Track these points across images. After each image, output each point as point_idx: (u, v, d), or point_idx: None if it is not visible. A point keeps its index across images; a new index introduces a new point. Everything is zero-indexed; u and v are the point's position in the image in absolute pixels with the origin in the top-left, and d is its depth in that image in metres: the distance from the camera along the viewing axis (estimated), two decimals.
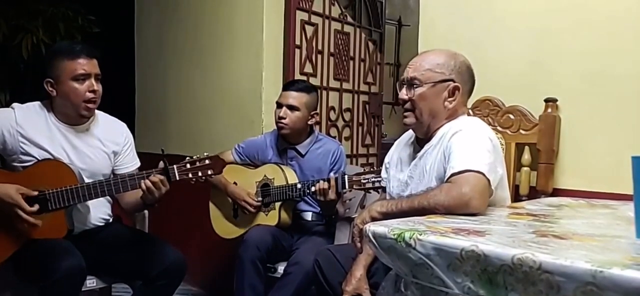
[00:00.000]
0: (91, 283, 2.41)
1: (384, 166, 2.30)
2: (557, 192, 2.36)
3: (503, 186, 1.97)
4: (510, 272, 1.19)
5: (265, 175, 2.87)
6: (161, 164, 2.26)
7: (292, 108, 2.85)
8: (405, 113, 2.02)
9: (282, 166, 2.86)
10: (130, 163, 2.59)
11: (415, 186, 1.99)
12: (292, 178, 2.80)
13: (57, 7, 4.24)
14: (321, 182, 2.63)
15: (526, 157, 2.41)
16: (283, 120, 2.85)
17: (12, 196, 2.17)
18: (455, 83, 1.96)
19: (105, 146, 2.50)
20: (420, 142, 2.07)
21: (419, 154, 2.03)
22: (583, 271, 1.08)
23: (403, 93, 2.00)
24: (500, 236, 1.37)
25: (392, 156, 2.25)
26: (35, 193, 2.22)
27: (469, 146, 1.81)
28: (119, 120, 2.62)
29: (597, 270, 1.06)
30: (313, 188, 2.66)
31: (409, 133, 2.19)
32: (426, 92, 1.95)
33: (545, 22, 2.43)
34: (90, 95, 2.34)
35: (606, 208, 1.95)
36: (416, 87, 1.96)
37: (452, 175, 1.75)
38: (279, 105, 2.88)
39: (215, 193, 3.01)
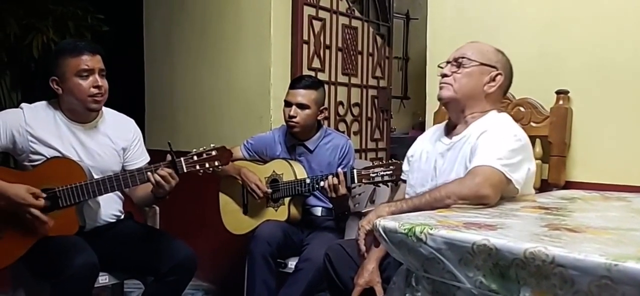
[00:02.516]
0: (103, 279, 2.42)
1: (406, 158, 2.31)
2: (569, 185, 2.35)
3: (529, 183, 1.97)
4: (523, 266, 1.18)
5: (274, 171, 2.86)
6: (168, 157, 2.27)
7: (301, 106, 2.83)
8: (443, 84, 2.04)
9: (290, 161, 2.86)
10: (139, 158, 2.59)
11: (439, 178, 2.00)
12: (301, 173, 2.80)
13: (67, 6, 4.24)
14: (330, 177, 2.62)
15: (537, 149, 2.39)
16: (294, 119, 2.83)
17: (23, 196, 2.18)
18: (499, 71, 2.01)
19: (114, 143, 2.50)
20: (448, 134, 2.09)
21: (447, 146, 2.05)
22: (597, 265, 1.07)
23: (446, 69, 2.04)
24: (512, 230, 1.36)
25: (415, 149, 2.25)
26: (44, 195, 2.23)
27: (492, 144, 1.84)
28: (127, 116, 2.63)
29: (611, 263, 1.05)
30: (322, 184, 2.65)
31: (435, 128, 2.21)
32: (471, 70, 2.00)
33: (555, 12, 2.41)
34: (94, 90, 2.34)
35: (620, 200, 1.93)
36: (463, 65, 2.00)
37: (471, 169, 1.78)
38: (288, 104, 2.86)
39: (225, 184, 3.01)
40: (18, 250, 2.27)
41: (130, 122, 2.63)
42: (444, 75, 2.04)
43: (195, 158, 2.28)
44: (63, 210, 2.26)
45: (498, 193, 1.74)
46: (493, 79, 2.01)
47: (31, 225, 2.22)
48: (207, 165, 2.28)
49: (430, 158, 2.12)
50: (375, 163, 2.56)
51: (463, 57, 2.00)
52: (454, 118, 2.08)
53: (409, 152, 2.29)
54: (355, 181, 2.60)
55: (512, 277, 1.21)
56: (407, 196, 2.17)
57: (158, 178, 2.24)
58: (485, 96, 2.01)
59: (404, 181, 2.30)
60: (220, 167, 2.32)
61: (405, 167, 2.31)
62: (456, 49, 2.07)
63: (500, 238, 1.25)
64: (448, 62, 2.05)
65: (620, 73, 2.24)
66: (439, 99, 2.09)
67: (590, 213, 1.67)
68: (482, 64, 1.99)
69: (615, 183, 2.22)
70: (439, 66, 2.09)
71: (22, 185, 2.20)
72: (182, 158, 2.27)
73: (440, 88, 2.05)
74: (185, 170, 2.27)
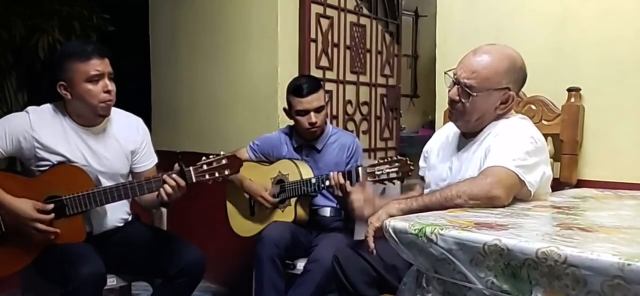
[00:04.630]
0: (111, 281, 2.42)
1: (422, 155, 2.29)
2: (581, 183, 2.33)
3: (545, 186, 1.95)
4: (535, 266, 1.17)
5: (279, 171, 2.85)
6: (177, 167, 2.24)
7: (319, 109, 2.82)
8: (454, 114, 2.00)
9: (296, 161, 2.84)
10: (147, 160, 2.58)
11: (453, 179, 1.98)
12: (307, 173, 2.78)
13: (72, 7, 4.25)
14: (334, 174, 2.60)
15: (549, 148, 2.36)
16: (316, 125, 2.82)
17: (30, 213, 2.19)
18: (511, 92, 1.95)
19: (122, 145, 2.48)
20: (464, 135, 2.07)
21: (463, 148, 2.03)
22: (610, 265, 1.06)
23: (454, 94, 1.96)
24: (524, 230, 1.36)
25: (432, 146, 2.24)
26: (51, 206, 2.23)
27: (506, 146, 1.82)
28: (134, 116, 2.60)
29: (624, 263, 1.04)
30: (327, 183, 2.63)
31: (452, 125, 2.17)
32: (479, 100, 1.92)
33: (567, 8, 2.40)
34: (105, 95, 2.32)
35: (633, 199, 1.93)
36: (470, 95, 1.91)
37: (484, 169, 1.77)
38: (304, 113, 2.82)
39: (231, 190, 3.00)
40: (26, 257, 2.27)
41: (138, 122, 2.61)
42: (452, 101, 1.97)
43: (204, 167, 2.24)
44: (70, 218, 2.26)
45: (510, 195, 1.72)
46: (505, 101, 1.95)
47: (39, 237, 2.22)
48: (216, 175, 2.25)
49: (446, 156, 2.11)
50: (380, 161, 2.53)
51: (471, 87, 1.91)
52: (466, 131, 2.05)
53: (426, 148, 2.27)
54: (360, 179, 2.58)
55: (524, 277, 1.20)
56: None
57: (168, 189, 2.22)
58: (497, 115, 1.97)
59: (422, 178, 2.28)
60: (230, 176, 2.29)
61: (421, 162, 2.29)
62: (464, 59, 1.96)
63: (511, 238, 1.24)
64: (455, 83, 1.96)
65: (632, 70, 2.23)
66: (451, 122, 2.06)
67: (603, 212, 1.66)
68: (491, 92, 1.92)
69: (628, 182, 2.21)
70: (446, 73, 2.04)
71: (28, 200, 2.20)
72: (191, 168, 2.23)
73: (450, 113, 2.02)
74: (194, 181, 2.24)
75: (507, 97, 1.94)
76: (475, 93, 1.90)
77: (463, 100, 1.93)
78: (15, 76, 4.37)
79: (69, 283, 2.10)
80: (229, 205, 3.04)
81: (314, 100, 2.81)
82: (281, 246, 2.62)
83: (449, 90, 1.98)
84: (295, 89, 2.85)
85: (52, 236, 2.23)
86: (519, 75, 1.97)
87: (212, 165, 2.25)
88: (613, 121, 2.29)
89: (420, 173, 2.31)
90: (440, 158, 2.13)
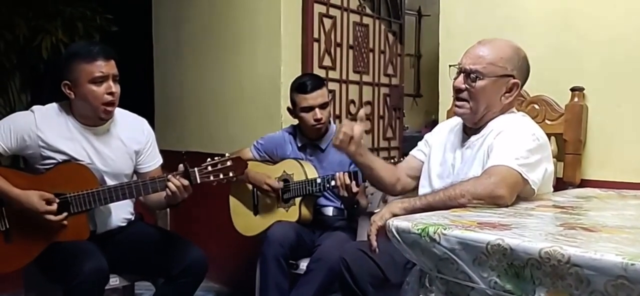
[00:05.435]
0: (114, 281, 2.42)
1: (424, 139, 2.28)
2: (584, 183, 2.33)
3: (547, 183, 1.95)
4: (538, 266, 1.17)
5: (284, 171, 2.85)
6: (181, 167, 2.24)
7: (324, 105, 2.82)
8: (459, 103, 1.99)
9: (301, 161, 2.84)
10: (152, 161, 2.58)
11: (456, 176, 1.98)
12: (312, 173, 2.78)
13: (76, 7, 4.26)
14: (340, 175, 2.60)
15: (552, 147, 2.35)
16: (321, 121, 2.82)
17: (36, 204, 2.19)
18: (515, 80, 1.95)
19: (126, 146, 2.48)
20: (467, 131, 2.06)
21: (466, 145, 2.03)
22: (613, 265, 1.06)
23: (460, 82, 1.97)
24: (527, 230, 1.35)
25: (435, 137, 2.23)
26: (57, 200, 2.23)
27: (509, 144, 1.82)
28: (139, 117, 2.60)
29: (628, 263, 1.04)
30: (333, 183, 2.63)
31: (456, 120, 2.17)
32: (486, 86, 1.93)
33: (569, 7, 2.39)
34: (108, 97, 2.32)
35: (637, 199, 1.92)
36: (477, 80, 1.92)
37: (487, 168, 1.77)
38: (309, 109, 2.82)
39: (235, 187, 3.00)
40: (29, 254, 2.28)
41: (143, 123, 2.60)
42: (458, 90, 1.98)
43: (209, 168, 2.24)
44: (74, 216, 2.26)
45: (514, 194, 1.72)
46: (509, 90, 1.96)
47: (44, 230, 2.22)
48: (221, 176, 2.24)
49: (448, 152, 2.10)
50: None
51: (477, 72, 1.92)
52: (471, 125, 2.04)
53: (429, 135, 2.27)
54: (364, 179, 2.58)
55: (527, 277, 1.20)
56: (421, 187, 2.15)
57: (174, 188, 2.22)
58: (503, 104, 1.98)
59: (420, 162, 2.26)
60: (235, 178, 2.29)
61: (421, 144, 2.28)
62: (469, 50, 1.99)
63: (514, 237, 1.24)
64: (461, 71, 1.97)
65: (636, 69, 2.22)
66: (456, 114, 2.06)
67: (606, 212, 1.66)
68: (497, 78, 1.93)
69: (631, 181, 2.20)
70: (450, 66, 2.04)
71: (34, 191, 2.20)
72: (195, 169, 2.23)
73: (456, 106, 2.01)
74: (198, 181, 2.23)
75: (511, 84, 1.95)
76: (481, 78, 1.91)
77: (468, 86, 1.94)
78: (19, 77, 4.38)
79: (72, 279, 2.10)
80: (232, 202, 3.03)
81: (318, 96, 2.81)
82: (286, 246, 2.62)
83: (454, 80, 1.99)
84: (299, 86, 2.86)
85: (58, 229, 2.23)
86: (523, 64, 1.98)
87: (216, 167, 2.24)
88: (616, 120, 2.28)
89: (413, 152, 2.30)
90: (443, 154, 2.13)
